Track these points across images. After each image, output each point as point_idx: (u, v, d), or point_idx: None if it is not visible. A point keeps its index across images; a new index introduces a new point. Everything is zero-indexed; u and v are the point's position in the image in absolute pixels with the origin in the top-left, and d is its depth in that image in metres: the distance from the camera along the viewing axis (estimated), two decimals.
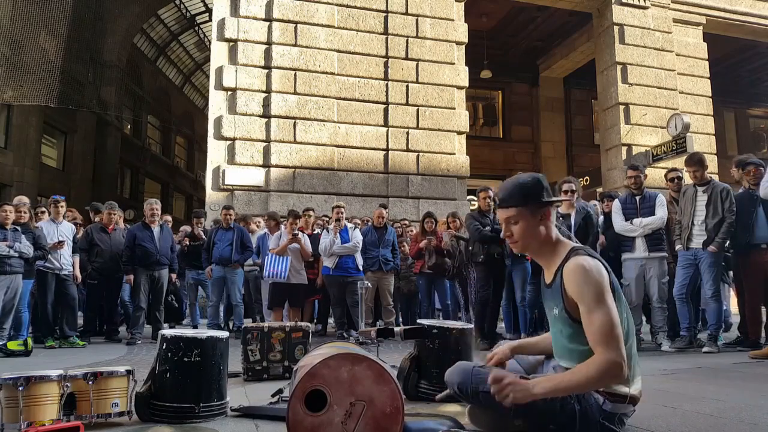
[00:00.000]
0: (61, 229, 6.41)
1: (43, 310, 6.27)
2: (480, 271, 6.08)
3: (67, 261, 6.37)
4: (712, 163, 12.55)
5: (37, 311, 6.41)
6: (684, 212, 5.42)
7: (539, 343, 2.25)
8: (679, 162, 9.94)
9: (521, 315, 6.32)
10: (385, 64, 10.54)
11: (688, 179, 5.85)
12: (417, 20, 10.82)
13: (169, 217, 8.31)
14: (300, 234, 6.80)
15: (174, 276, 7.13)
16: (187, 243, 7.82)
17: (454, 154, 10.70)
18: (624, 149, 12.09)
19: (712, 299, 5.25)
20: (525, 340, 2.30)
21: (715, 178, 6.34)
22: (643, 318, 6.18)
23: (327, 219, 7.74)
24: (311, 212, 7.55)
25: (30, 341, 5.46)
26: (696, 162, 5.44)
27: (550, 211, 2.00)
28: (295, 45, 10.10)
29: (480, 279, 6.09)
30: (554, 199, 2.02)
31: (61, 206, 6.57)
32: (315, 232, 7.45)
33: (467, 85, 11.09)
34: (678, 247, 5.45)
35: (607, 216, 6.23)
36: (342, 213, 6.77)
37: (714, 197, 5.24)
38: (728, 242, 5.37)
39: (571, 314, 1.93)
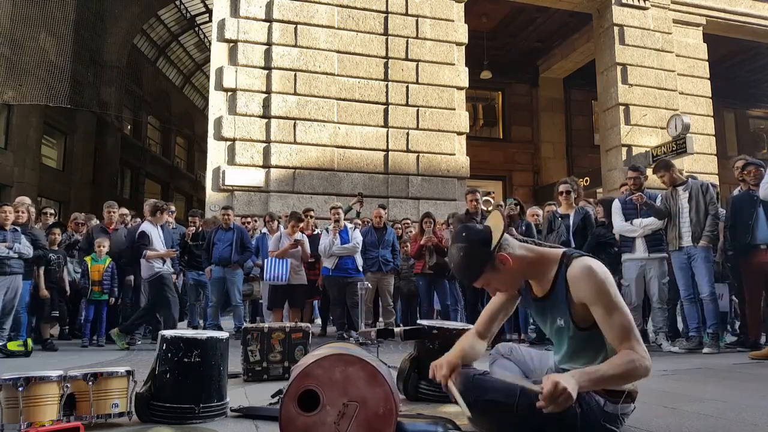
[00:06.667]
0: (166, 235, 6.47)
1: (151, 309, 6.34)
2: None
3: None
4: (712, 164, 12.57)
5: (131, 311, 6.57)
6: (671, 214, 5.47)
7: (475, 347, 2.16)
8: (679, 163, 9.95)
9: (522, 315, 6.32)
10: (385, 65, 10.54)
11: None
12: (417, 21, 10.82)
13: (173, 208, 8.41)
14: (302, 237, 6.75)
15: (174, 277, 7.11)
16: (191, 232, 7.78)
17: (454, 154, 10.70)
18: (624, 150, 12.08)
19: (709, 300, 5.24)
20: (462, 349, 2.13)
21: (716, 178, 6.37)
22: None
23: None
24: (311, 213, 7.53)
25: (30, 342, 5.46)
26: (662, 167, 5.60)
27: (504, 255, 1.92)
28: (295, 46, 10.10)
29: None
30: (496, 242, 1.93)
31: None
32: (315, 232, 7.44)
33: (467, 85, 11.09)
34: (671, 248, 5.46)
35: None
36: (340, 214, 6.77)
37: (695, 193, 5.32)
38: (726, 244, 5.37)
39: (578, 324, 1.91)
